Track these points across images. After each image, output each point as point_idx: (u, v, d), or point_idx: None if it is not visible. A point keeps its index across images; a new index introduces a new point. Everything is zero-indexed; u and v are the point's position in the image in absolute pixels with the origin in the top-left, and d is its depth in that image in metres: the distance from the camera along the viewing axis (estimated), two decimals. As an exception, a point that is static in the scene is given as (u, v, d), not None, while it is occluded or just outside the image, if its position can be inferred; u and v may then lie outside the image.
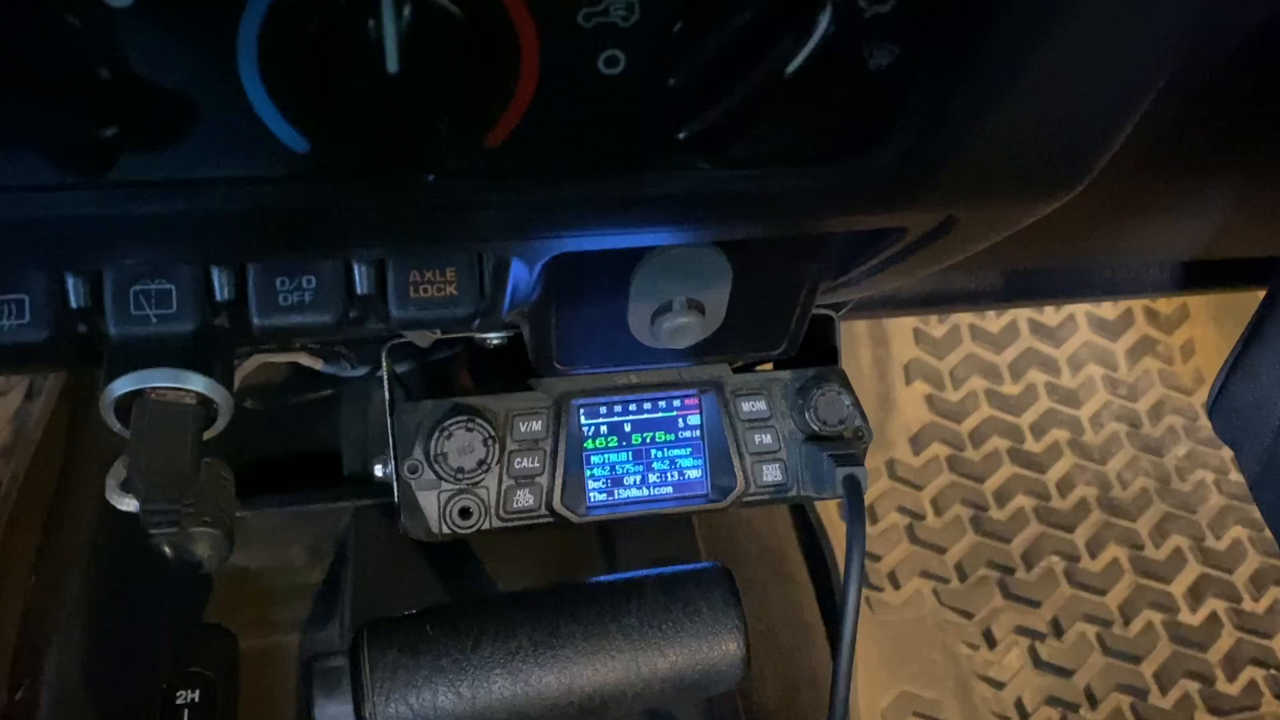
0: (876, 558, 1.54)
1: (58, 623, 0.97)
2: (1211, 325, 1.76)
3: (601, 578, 0.61)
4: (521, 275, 0.49)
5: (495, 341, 0.69)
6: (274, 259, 0.45)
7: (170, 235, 0.41)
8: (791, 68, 0.37)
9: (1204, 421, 1.71)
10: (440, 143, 0.38)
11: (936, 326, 1.73)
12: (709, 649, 0.57)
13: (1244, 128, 0.68)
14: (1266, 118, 0.67)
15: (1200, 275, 0.86)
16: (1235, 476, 1.66)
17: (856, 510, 0.60)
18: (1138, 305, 1.79)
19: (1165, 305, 1.80)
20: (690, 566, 0.61)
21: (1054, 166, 0.45)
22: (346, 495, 0.90)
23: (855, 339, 1.68)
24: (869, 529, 1.57)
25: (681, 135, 0.40)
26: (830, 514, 1.57)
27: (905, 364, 1.70)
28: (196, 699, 0.75)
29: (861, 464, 0.63)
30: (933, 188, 0.44)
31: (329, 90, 0.37)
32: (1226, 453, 1.67)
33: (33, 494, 1.06)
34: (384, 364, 0.66)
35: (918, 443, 1.65)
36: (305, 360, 0.79)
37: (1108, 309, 1.78)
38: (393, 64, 0.35)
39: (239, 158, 0.39)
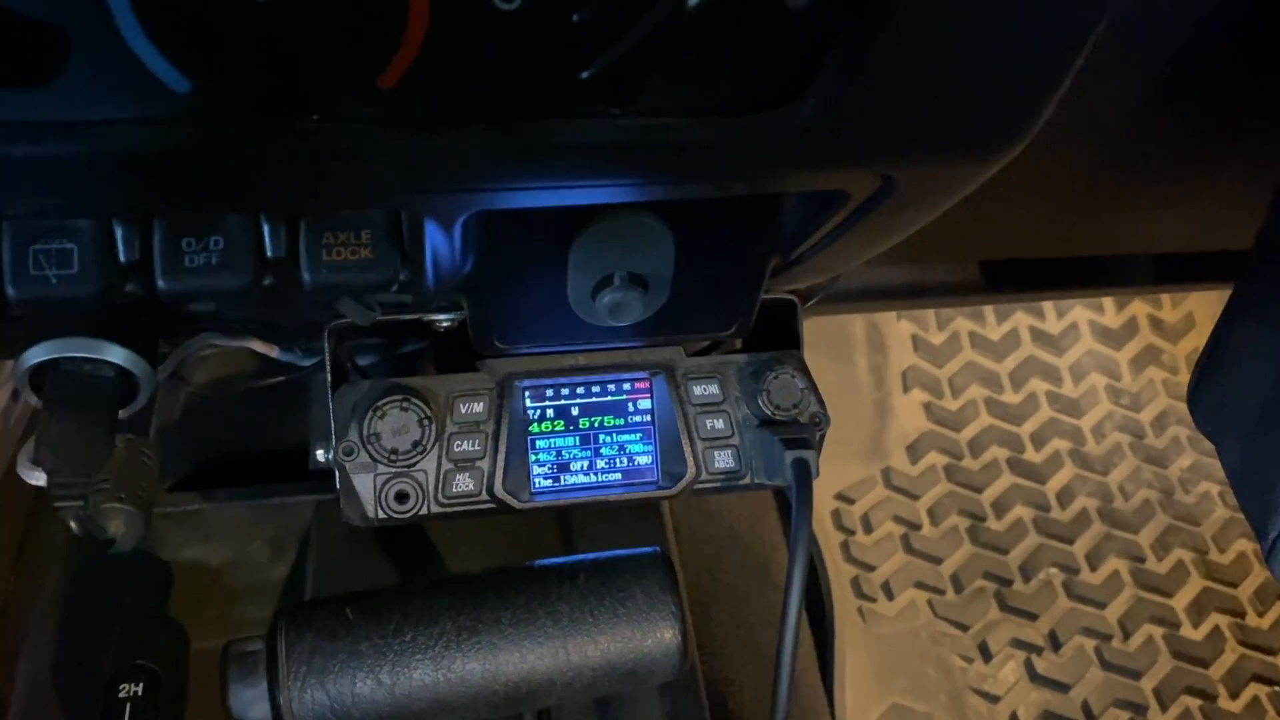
0: (871, 568, 1.51)
1: (33, 622, 0.95)
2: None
3: (533, 563, 0.58)
4: (439, 238, 0.47)
5: (445, 323, 0.67)
6: (166, 211, 0.43)
7: (49, 181, 0.39)
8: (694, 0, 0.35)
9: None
10: (324, 83, 0.37)
11: (935, 334, 1.70)
12: (642, 636, 0.55)
13: (1210, 119, 0.66)
14: (1231, 109, 0.65)
15: (1177, 269, 0.83)
16: (1241, 489, 1.62)
17: (804, 497, 0.57)
18: (1142, 314, 1.76)
19: (1170, 314, 1.77)
20: (626, 552, 0.59)
21: (985, 120, 0.42)
22: (307, 488, 0.87)
23: (853, 345, 1.65)
24: (863, 539, 1.54)
25: (585, 75, 0.38)
26: (822, 517, 1.54)
27: (903, 371, 1.67)
28: (139, 692, 0.73)
29: (813, 448, 0.61)
30: (859, 142, 0.42)
31: (205, 24, 0.35)
32: (1232, 464, 1.63)
33: (13, 492, 1.04)
34: (325, 344, 0.64)
35: (915, 451, 1.61)
36: (259, 347, 0.77)
37: (1111, 317, 1.75)
38: (262, -10, 0.33)
39: (117, 98, 0.37)
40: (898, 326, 1.69)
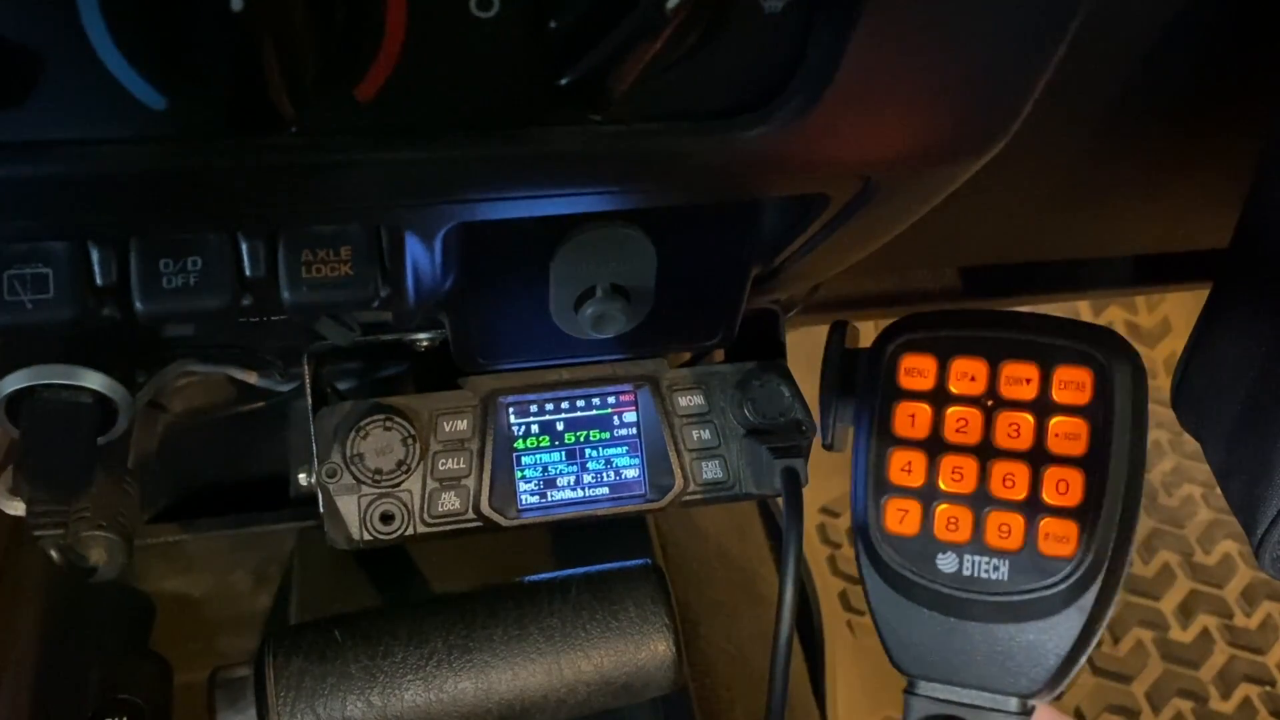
0: (858, 581, 1.50)
1: (11, 657, 0.94)
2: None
3: (523, 578, 0.58)
4: (419, 252, 0.47)
5: (425, 343, 0.66)
6: (143, 232, 0.42)
7: (22, 201, 0.39)
8: (672, 3, 0.35)
9: (1189, 435, 1.68)
10: (301, 94, 0.36)
11: (915, 345, 1.70)
12: (636, 650, 0.54)
13: (1183, 118, 0.67)
14: (1203, 108, 0.65)
15: (1156, 270, 0.84)
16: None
17: (794, 506, 0.57)
18: (1118, 319, 1.77)
19: (1147, 320, 1.78)
20: (617, 565, 0.58)
21: (965, 118, 0.42)
22: (288, 515, 0.86)
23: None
24: (849, 552, 1.54)
25: (564, 81, 0.38)
26: (807, 531, 1.54)
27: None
28: (124, 727, 0.72)
29: (802, 456, 0.61)
30: (838, 144, 0.42)
31: (179, 37, 0.35)
32: (1213, 466, 1.64)
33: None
34: (304, 367, 0.63)
35: (898, 463, 1.61)
36: (237, 373, 0.76)
37: (1088, 324, 1.76)
38: (236, 1, 0.32)
39: (91, 117, 0.36)
40: (877, 338, 1.69)
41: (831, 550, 1.52)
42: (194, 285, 0.44)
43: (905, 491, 0.44)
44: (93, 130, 0.37)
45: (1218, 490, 1.61)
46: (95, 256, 0.43)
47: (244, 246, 0.44)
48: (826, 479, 1.62)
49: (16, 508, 0.52)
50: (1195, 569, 1.55)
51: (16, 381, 0.51)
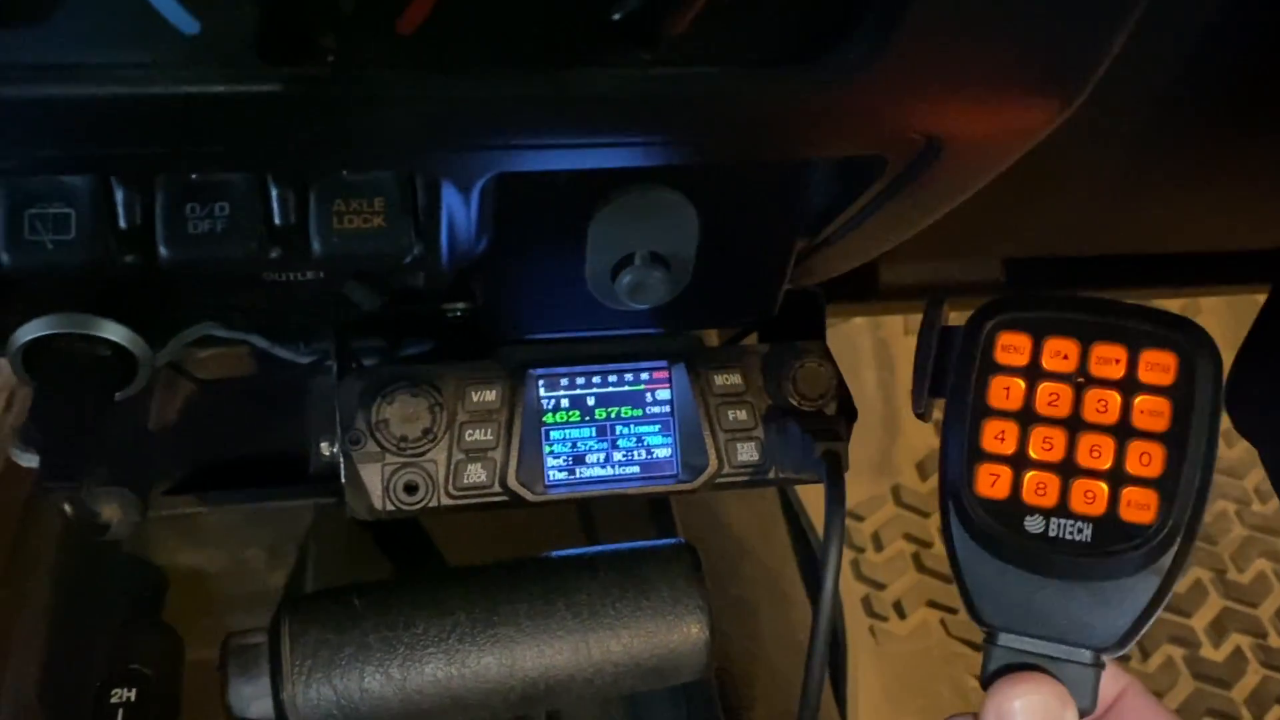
0: (881, 586, 1.48)
1: (22, 633, 0.92)
2: (1228, 351, 1.70)
3: (552, 553, 0.55)
4: (456, 205, 0.45)
5: (453, 313, 0.64)
6: (170, 169, 0.40)
7: (46, 128, 0.37)
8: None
9: (1223, 451, 1.64)
10: (339, 23, 0.34)
11: (945, 350, 1.68)
12: (668, 631, 0.52)
13: (1243, 111, 0.64)
14: (1265, 101, 0.63)
15: (1208, 270, 0.81)
16: (1257, 507, 1.59)
17: (836, 490, 0.54)
18: (1153, 330, 1.73)
19: (1182, 331, 1.74)
20: (649, 543, 0.56)
21: (1041, 72, 0.40)
22: (307, 492, 0.85)
23: (860, 361, 1.63)
24: (874, 557, 1.51)
25: (616, 16, 0.36)
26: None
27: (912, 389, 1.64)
28: (133, 698, 0.70)
29: (843, 440, 0.58)
30: (908, 91, 0.39)
31: (216, -43, 0.33)
32: (1248, 482, 1.61)
33: (6, 495, 1.02)
34: (332, 333, 0.62)
35: (924, 469, 1.59)
36: (259, 341, 0.74)
37: (1122, 334, 1.73)
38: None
39: (121, 40, 0.35)
40: (906, 342, 1.67)
41: (855, 554, 1.50)
42: (220, 231, 0.42)
43: (997, 458, 0.47)
44: (123, 54, 0.35)
45: (1253, 507, 1.59)
46: (119, 197, 0.42)
47: (274, 193, 0.43)
48: (851, 482, 1.59)
49: (30, 460, 0.50)
50: (1228, 586, 1.52)
51: (34, 330, 0.50)
